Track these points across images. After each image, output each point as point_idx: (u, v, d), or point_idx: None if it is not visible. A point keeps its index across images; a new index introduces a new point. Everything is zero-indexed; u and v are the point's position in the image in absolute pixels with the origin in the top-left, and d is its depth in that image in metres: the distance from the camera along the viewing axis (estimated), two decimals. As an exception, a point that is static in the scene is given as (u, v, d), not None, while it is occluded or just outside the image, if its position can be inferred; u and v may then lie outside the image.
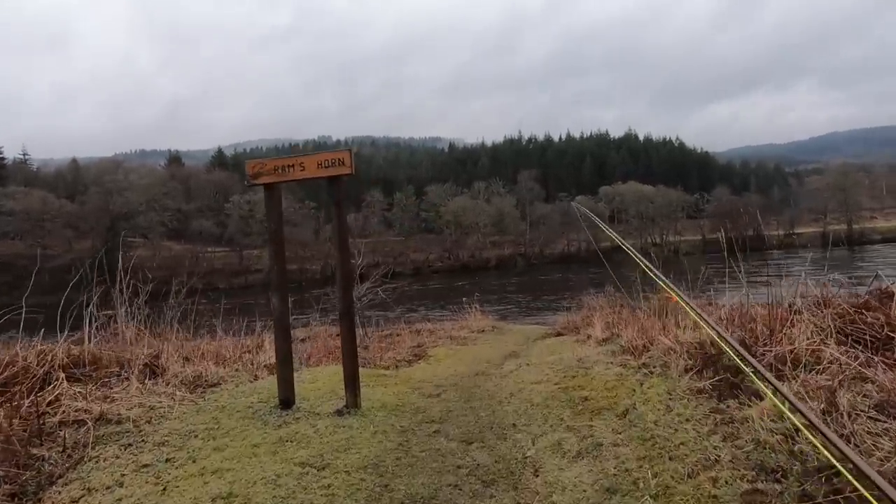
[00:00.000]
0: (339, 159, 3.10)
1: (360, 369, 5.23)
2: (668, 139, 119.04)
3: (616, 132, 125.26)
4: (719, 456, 2.22)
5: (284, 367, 3.35)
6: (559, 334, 9.30)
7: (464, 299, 13.13)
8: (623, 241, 4.78)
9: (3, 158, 77.17)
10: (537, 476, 2.57)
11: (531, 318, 19.72)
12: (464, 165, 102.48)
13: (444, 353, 6.52)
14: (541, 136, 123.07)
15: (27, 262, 58.81)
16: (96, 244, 57.42)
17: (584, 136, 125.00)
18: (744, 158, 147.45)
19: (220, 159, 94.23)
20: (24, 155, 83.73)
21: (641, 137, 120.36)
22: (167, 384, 3.57)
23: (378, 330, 11.37)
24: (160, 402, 3.27)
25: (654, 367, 3.31)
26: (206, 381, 3.78)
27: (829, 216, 62.04)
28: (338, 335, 11.34)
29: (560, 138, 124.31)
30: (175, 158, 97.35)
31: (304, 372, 4.44)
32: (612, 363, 3.73)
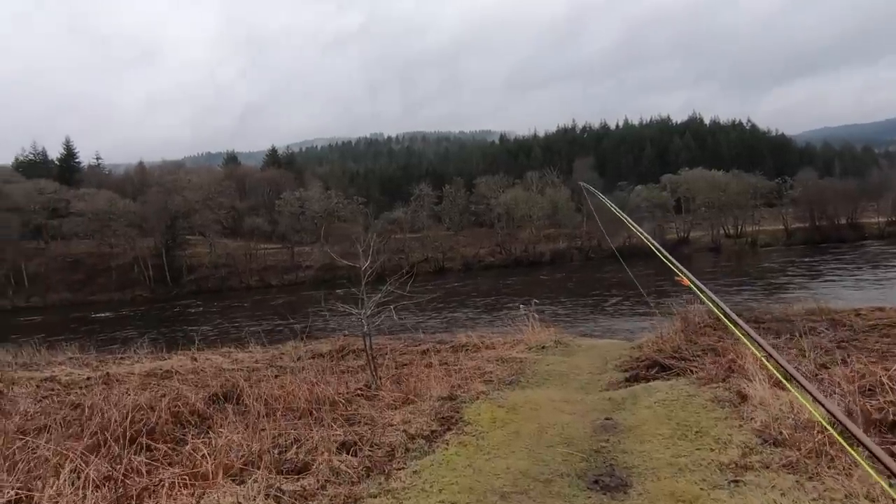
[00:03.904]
0: None
1: None
2: (737, 122, 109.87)
3: (679, 118, 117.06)
4: None
5: None
6: (655, 364, 6.69)
7: (521, 306, 10.73)
8: (634, 224, 3.46)
9: (78, 163, 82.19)
10: None
11: (599, 325, 16.96)
12: (515, 157, 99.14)
13: (490, 417, 4.12)
14: (596, 125, 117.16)
15: (96, 261, 61.94)
16: (157, 242, 59.21)
17: (644, 122, 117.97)
18: (824, 140, 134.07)
19: (273, 158, 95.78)
20: (97, 159, 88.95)
21: (707, 121, 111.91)
22: None
23: (412, 344, 9.16)
24: None
25: None
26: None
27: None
28: (349, 354, 8.80)
29: (617, 126, 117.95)
30: (231, 158, 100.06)
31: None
32: None
